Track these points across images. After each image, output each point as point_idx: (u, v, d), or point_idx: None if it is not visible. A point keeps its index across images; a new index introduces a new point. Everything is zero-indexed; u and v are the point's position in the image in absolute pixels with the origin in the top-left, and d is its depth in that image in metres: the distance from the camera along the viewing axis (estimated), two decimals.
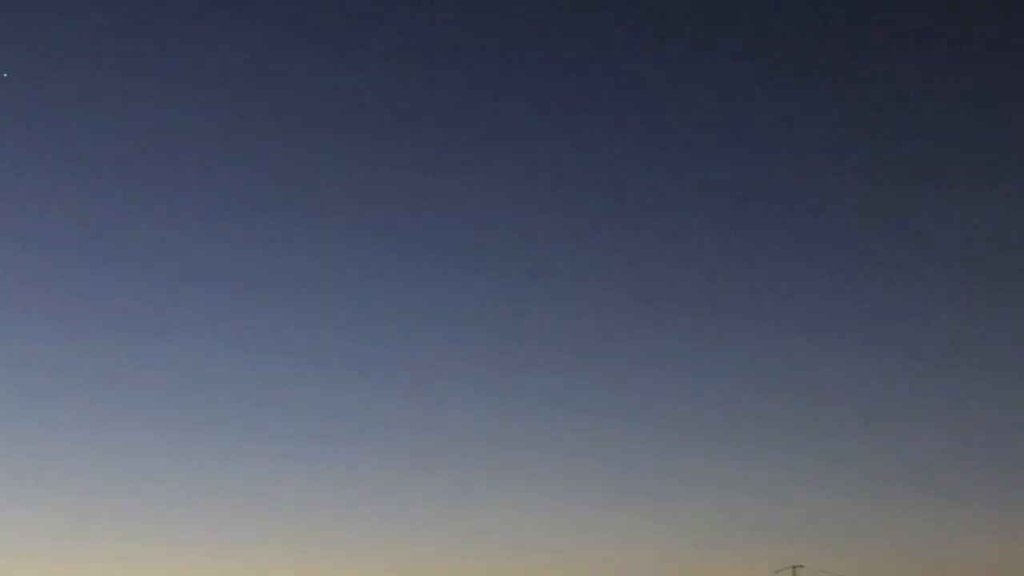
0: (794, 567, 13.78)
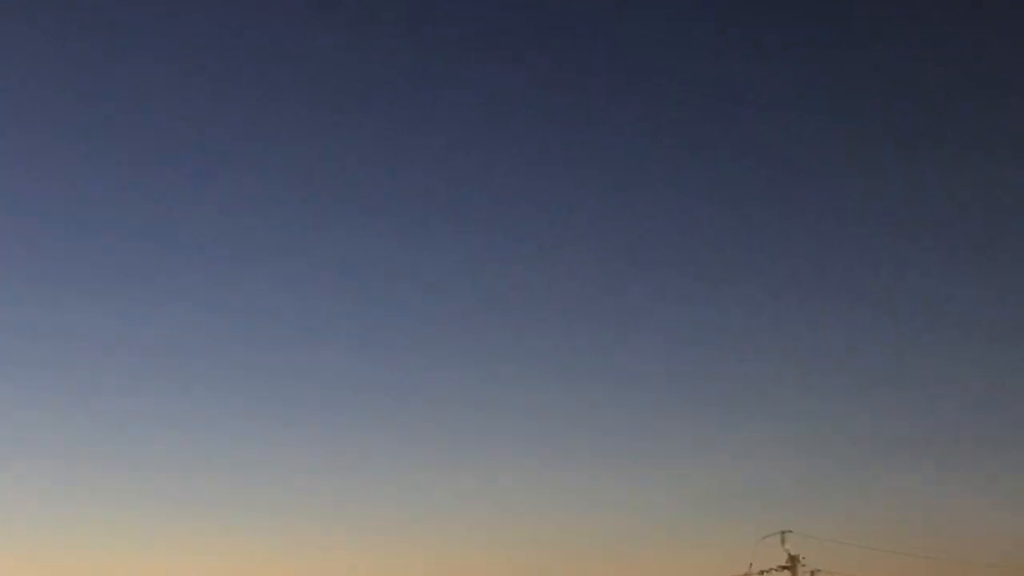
0: (783, 532, 13.43)
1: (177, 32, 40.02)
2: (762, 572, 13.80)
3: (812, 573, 13.85)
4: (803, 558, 13.81)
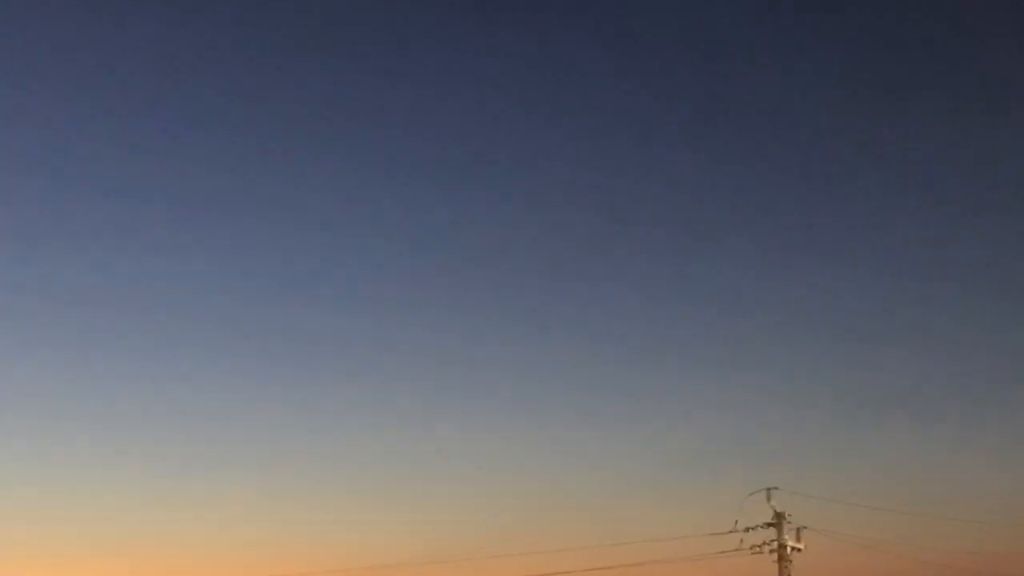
0: (769, 489, 13.19)
1: None
2: (747, 529, 13.58)
3: (798, 530, 13.66)
4: (789, 515, 13.62)
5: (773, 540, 13.62)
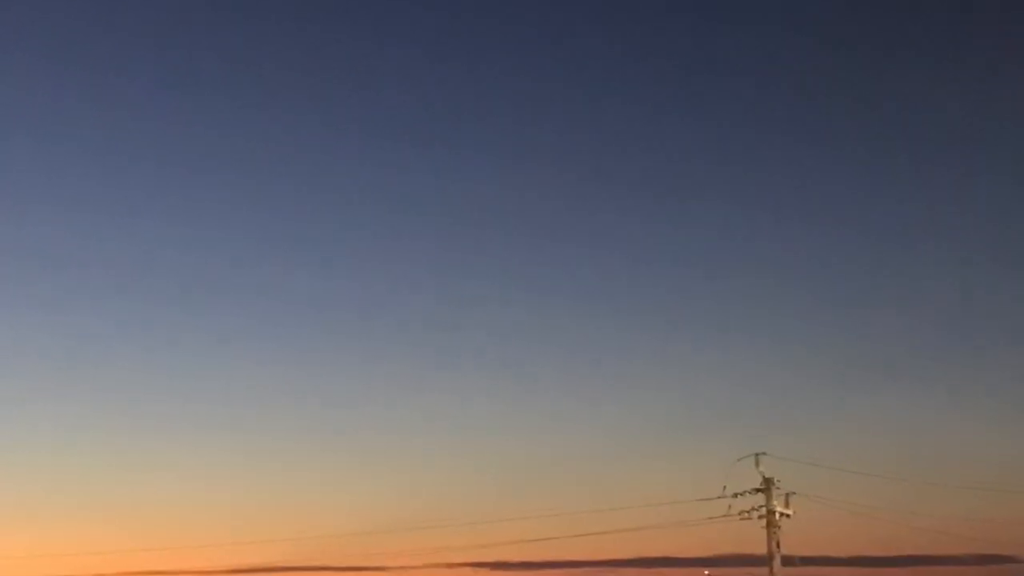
0: (757, 454, 12.96)
1: None
2: (736, 495, 13.36)
3: (787, 496, 13.45)
4: (778, 480, 13.41)
5: (762, 506, 13.41)
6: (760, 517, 13.45)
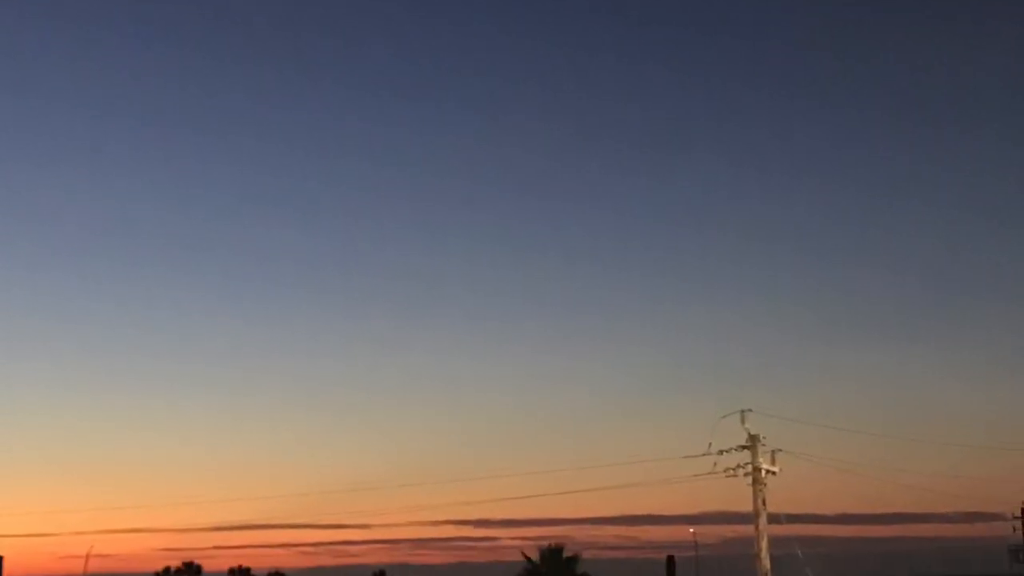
0: (743, 411, 12.76)
1: None
2: (721, 452, 13.16)
3: (773, 452, 13.26)
4: (764, 437, 13.22)
5: (747, 463, 13.21)
6: (746, 474, 13.27)
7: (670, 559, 30.76)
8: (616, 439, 38.74)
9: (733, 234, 44.23)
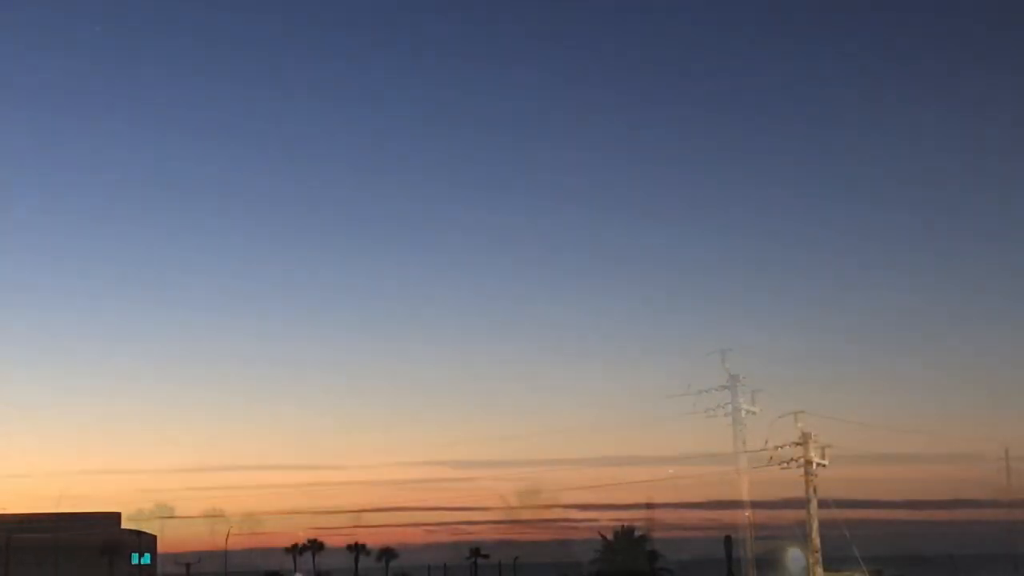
0: (795, 412, 12.51)
1: None
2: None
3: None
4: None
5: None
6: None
7: (727, 539, 30.27)
8: (596, 380, 38.61)
9: (723, 174, 43.96)
